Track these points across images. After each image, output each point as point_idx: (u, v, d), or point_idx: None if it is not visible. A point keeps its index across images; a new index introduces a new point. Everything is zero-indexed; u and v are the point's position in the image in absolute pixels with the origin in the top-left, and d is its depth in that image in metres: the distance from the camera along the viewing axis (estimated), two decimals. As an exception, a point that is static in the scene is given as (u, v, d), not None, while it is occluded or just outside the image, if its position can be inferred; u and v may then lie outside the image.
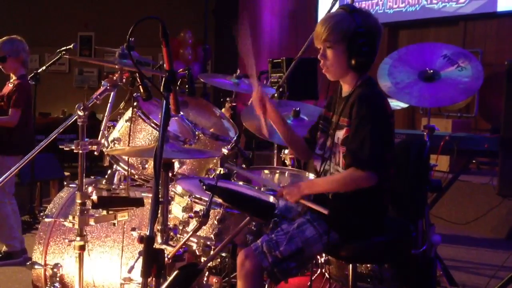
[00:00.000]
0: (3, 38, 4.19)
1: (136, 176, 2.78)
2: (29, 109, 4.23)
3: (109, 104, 2.64)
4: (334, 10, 2.39)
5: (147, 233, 1.63)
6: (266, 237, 2.15)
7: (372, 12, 2.29)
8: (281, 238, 2.12)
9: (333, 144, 2.25)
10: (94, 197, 2.28)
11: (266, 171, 3.27)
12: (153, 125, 2.70)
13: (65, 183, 3.00)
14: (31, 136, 4.22)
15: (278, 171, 3.29)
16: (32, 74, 4.48)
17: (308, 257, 2.20)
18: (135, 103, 2.68)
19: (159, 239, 2.16)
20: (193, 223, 2.28)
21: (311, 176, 3.02)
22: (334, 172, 2.25)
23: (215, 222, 2.30)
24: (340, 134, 2.21)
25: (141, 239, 2.01)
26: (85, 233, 2.36)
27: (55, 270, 2.63)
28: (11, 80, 4.20)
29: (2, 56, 4.11)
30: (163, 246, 2.14)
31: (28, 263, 2.71)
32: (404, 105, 3.72)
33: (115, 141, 2.75)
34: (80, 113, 2.34)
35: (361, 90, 2.19)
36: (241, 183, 2.81)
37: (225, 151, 2.89)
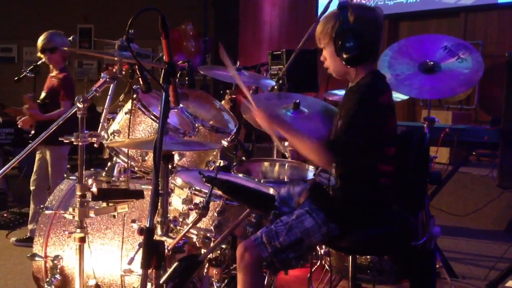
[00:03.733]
0: (51, 31, 4.36)
1: (136, 168, 2.78)
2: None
3: (108, 96, 2.64)
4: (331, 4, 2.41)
5: (147, 225, 1.64)
6: (265, 229, 2.16)
7: (369, 5, 2.30)
8: (281, 228, 2.13)
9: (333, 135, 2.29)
10: (94, 189, 2.28)
11: (266, 163, 3.28)
12: (152, 117, 2.69)
13: (65, 175, 3.00)
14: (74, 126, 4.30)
15: (278, 163, 3.30)
16: (32, 66, 4.49)
17: (307, 248, 2.20)
18: (134, 95, 2.67)
19: (159, 231, 2.17)
20: (193, 215, 2.28)
21: (311, 168, 3.02)
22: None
23: (215, 214, 2.31)
24: (338, 125, 2.24)
25: (141, 231, 2.02)
26: (85, 225, 2.36)
27: (55, 262, 2.63)
28: (53, 74, 4.37)
29: (53, 46, 4.27)
30: (163, 238, 2.14)
31: (28, 255, 2.72)
32: (404, 97, 3.71)
33: (115, 133, 2.75)
34: (80, 105, 2.34)
35: (361, 81, 2.21)
36: (240, 175, 2.81)
37: (225, 143, 2.89)
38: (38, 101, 4.31)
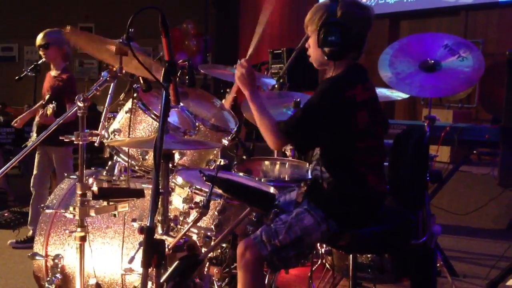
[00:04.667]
0: (49, 29, 4.34)
1: (137, 167, 2.78)
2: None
3: (109, 95, 2.64)
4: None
5: (148, 224, 1.64)
6: (265, 227, 2.15)
7: (362, 3, 2.29)
8: (280, 227, 2.13)
9: None
10: (95, 188, 2.28)
11: (267, 162, 3.28)
12: (153, 116, 2.70)
13: (65, 174, 3.00)
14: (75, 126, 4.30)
15: (278, 162, 3.29)
16: (32, 65, 4.50)
17: (307, 246, 2.20)
18: (135, 94, 2.67)
19: (159, 230, 2.17)
20: (194, 214, 2.29)
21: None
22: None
23: (216, 213, 2.31)
24: None
25: (141, 230, 2.02)
26: (85, 224, 2.36)
27: (56, 261, 2.64)
28: (55, 74, 4.32)
29: (46, 43, 4.25)
30: (164, 237, 2.14)
31: (29, 254, 2.73)
32: (405, 96, 3.71)
33: (115, 132, 2.76)
34: (80, 104, 2.34)
35: (334, 75, 2.23)
36: (241, 174, 2.81)
37: (225, 142, 2.89)
38: (42, 101, 4.28)
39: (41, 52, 4.32)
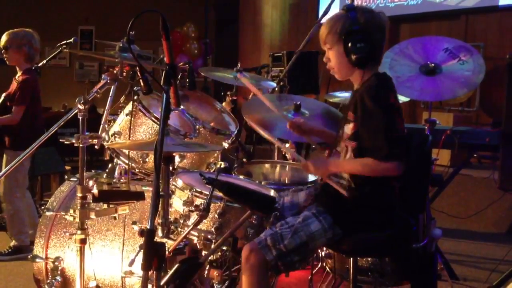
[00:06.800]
0: (14, 30, 4.20)
1: (137, 170, 2.78)
2: (36, 102, 4.21)
3: (109, 98, 2.64)
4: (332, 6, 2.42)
5: (148, 227, 1.64)
6: (270, 231, 2.14)
7: (372, 8, 2.30)
8: (286, 231, 2.12)
9: (341, 139, 2.28)
10: (95, 190, 2.28)
11: (267, 165, 3.27)
12: (153, 119, 2.70)
13: (66, 176, 3.00)
14: (40, 130, 4.19)
15: (279, 165, 3.29)
16: (33, 68, 4.49)
17: (311, 251, 2.20)
18: (135, 97, 2.67)
19: (160, 232, 2.16)
20: (194, 217, 2.28)
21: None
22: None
23: (216, 215, 2.30)
24: (348, 128, 2.22)
25: (142, 233, 2.02)
26: (86, 227, 2.36)
27: (56, 263, 2.63)
28: (16, 77, 4.21)
29: (4, 46, 4.14)
30: (164, 240, 2.14)
31: (29, 256, 2.72)
32: (405, 99, 3.71)
33: (116, 135, 2.76)
34: (81, 106, 2.34)
35: (368, 83, 2.20)
36: (241, 177, 2.81)
37: (225, 145, 2.89)
38: None
39: (4, 56, 4.16)
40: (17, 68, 4.23)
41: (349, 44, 2.15)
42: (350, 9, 2.19)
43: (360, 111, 2.14)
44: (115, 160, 2.77)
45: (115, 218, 2.46)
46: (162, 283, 1.86)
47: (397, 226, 2.24)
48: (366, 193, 2.17)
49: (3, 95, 4.19)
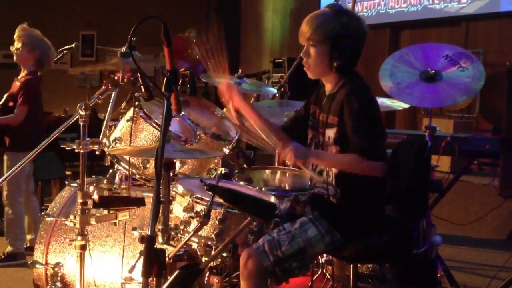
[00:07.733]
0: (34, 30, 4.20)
1: (137, 176, 2.78)
2: (38, 104, 4.20)
3: (110, 104, 2.64)
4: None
5: (148, 233, 1.64)
6: (268, 237, 2.15)
7: (359, 15, 2.29)
8: (283, 237, 2.12)
9: (324, 143, 2.26)
10: (96, 196, 2.28)
11: (267, 171, 3.27)
12: (154, 125, 2.70)
13: (66, 182, 2.99)
14: (41, 132, 4.19)
15: (279, 171, 3.29)
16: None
17: (310, 257, 2.20)
18: (136, 103, 2.68)
19: (160, 239, 2.17)
20: (194, 223, 2.28)
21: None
22: (329, 170, 2.24)
23: (216, 222, 2.30)
24: (331, 132, 2.21)
25: (142, 239, 2.02)
26: (86, 233, 2.36)
27: (56, 269, 2.63)
28: (19, 77, 4.18)
29: (20, 41, 4.10)
30: (164, 246, 2.14)
31: (29, 262, 2.72)
32: (406, 106, 3.71)
33: (117, 141, 2.76)
34: (82, 112, 2.34)
35: (348, 87, 2.18)
36: (242, 183, 2.80)
37: (226, 151, 2.89)
38: None
39: (14, 51, 4.12)
40: (22, 68, 4.20)
41: (337, 49, 2.13)
42: (339, 11, 2.16)
43: (346, 114, 2.13)
44: (116, 166, 2.78)
45: (115, 224, 2.46)
46: (162, 289, 1.86)
47: (393, 230, 2.24)
48: (352, 200, 2.18)
49: (5, 95, 4.18)
